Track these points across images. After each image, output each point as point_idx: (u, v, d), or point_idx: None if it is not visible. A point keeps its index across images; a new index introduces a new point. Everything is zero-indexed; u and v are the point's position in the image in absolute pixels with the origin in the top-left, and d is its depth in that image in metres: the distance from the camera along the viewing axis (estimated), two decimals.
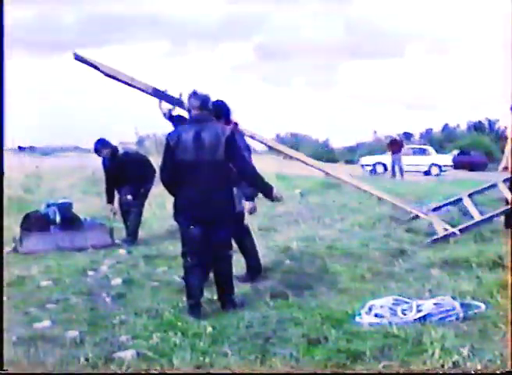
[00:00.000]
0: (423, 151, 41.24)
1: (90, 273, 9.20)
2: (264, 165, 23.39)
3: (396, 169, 30.51)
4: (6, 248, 11.07)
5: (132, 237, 11.67)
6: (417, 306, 6.78)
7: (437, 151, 42.80)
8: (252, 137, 8.76)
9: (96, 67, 8.88)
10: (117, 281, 8.58)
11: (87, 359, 5.59)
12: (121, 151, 12.04)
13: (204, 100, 7.12)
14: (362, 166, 40.20)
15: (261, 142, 9.17)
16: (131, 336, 6.29)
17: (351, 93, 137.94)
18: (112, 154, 11.72)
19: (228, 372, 5.44)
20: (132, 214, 11.79)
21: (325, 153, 59.91)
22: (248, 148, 8.39)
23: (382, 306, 6.84)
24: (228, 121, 8.08)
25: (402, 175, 30.12)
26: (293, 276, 8.84)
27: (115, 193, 11.90)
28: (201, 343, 6.02)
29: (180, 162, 7.02)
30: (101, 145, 11.71)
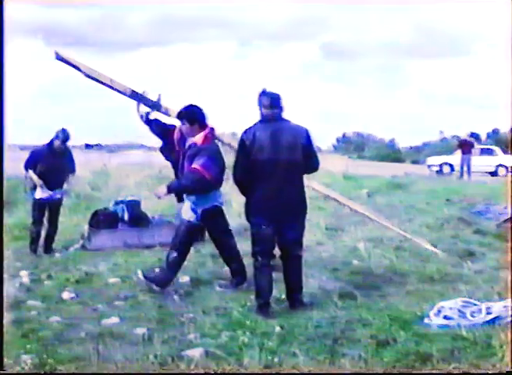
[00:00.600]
0: (490, 152, 40.48)
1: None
2: (331, 165, 23.36)
3: (465, 169, 30.08)
4: (74, 245, 11.25)
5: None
6: (487, 309, 6.66)
7: (504, 151, 42.02)
8: (229, 146, 8.55)
9: (77, 68, 8.66)
10: (185, 279, 8.60)
11: (155, 357, 5.60)
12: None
13: (274, 98, 7.10)
14: (428, 166, 39.68)
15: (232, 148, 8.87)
16: (199, 334, 6.29)
17: (417, 93, 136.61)
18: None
19: (295, 372, 5.40)
20: None
21: (391, 153, 59.52)
22: None
23: (451, 308, 6.74)
24: (203, 126, 7.95)
25: (470, 176, 29.67)
26: (361, 277, 8.77)
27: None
28: (270, 342, 6.00)
29: (256, 161, 7.02)
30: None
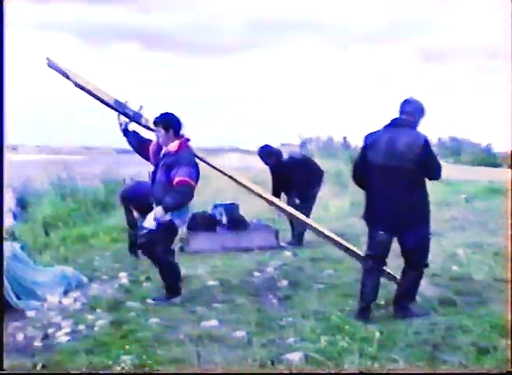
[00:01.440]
0: None
1: (257, 274, 9.24)
2: None
3: None
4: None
5: (298, 240, 11.63)
6: None
7: None
8: (201, 159, 8.36)
9: (66, 76, 8.48)
10: (283, 283, 8.55)
11: (254, 360, 5.56)
12: (286, 155, 12.00)
13: (404, 104, 7.05)
14: None
15: (208, 164, 8.63)
16: (299, 338, 6.22)
17: None
18: (277, 160, 11.71)
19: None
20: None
21: (487, 158, 58.31)
22: None
23: None
24: (178, 133, 7.87)
25: None
26: (461, 283, 8.56)
27: (283, 195, 11.86)
28: (369, 348, 5.88)
29: (370, 163, 7.02)
30: (265, 154, 11.76)
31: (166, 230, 7.83)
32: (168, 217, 7.72)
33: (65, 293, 8.65)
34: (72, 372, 5.63)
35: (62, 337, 6.81)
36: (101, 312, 7.48)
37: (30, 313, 7.92)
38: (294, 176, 11.52)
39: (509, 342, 5.98)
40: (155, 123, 7.90)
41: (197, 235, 11.43)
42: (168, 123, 7.83)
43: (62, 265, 9.76)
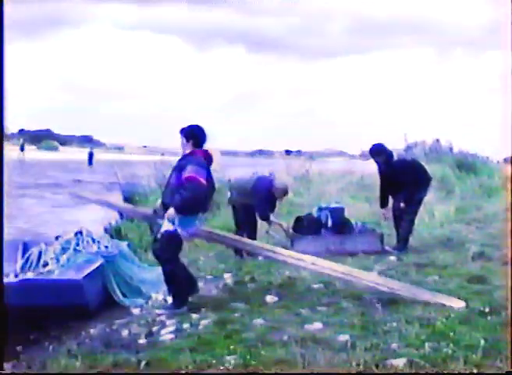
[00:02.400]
0: None
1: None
2: None
3: None
4: None
5: (403, 245, 11.49)
6: None
7: None
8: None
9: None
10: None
11: (358, 364, 5.51)
12: (396, 157, 11.88)
13: None
14: None
15: None
16: (403, 344, 6.13)
17: None
18: (387, 160, 11.58)
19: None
20: (404, 221, 11.60)
21: None
22: None
23: None
24: (197, 145, 7.97)
25: None
26: None
27: (390, 199, 11.75)
28: (474, 355, 5.74)
29: None
30: (376, 150, 11.62)
31: (170, 239, 7.85)
32: (171, 227, 7.76)
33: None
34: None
35: (166, 334, 6.92)
36: (206, 312, 7.57)
37: (135, 310, 8.09)
38: (402, 179, 11.35)
39: None
40: (180, 132, 8.10)
41: (301, 238, 11.44)
42: (190, 134, 8.01)
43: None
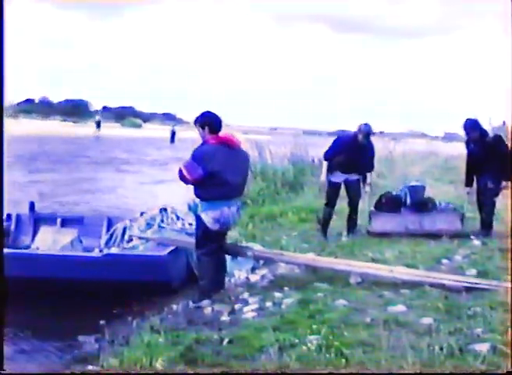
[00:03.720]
0: None
1: (444, 261, 9.05)
2: None
3: None
4: (360, 230, 11.29)
5: (487, 229, 11.23)
6: None
7: None
8: None
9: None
10: (472, 272, 8.30)
11: (441, 348, 5.45)
12: (490, 135, 11.48)
13: None
14: None
15: None
16: (487, 329, 6.03)
17: None
18: (480, 137, 11.20)
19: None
20: (489, 204, 11.31)
21: None
22: None
23: None
24: (213, 131, 7.93)
25: None
26: None
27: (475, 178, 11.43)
28: None
29: None
30: (471, 125, 11.19)
31: (198, 227, 8.02)
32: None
33: (253, 270, 8.85)
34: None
35: (249, 312, 6.97)
36: (289, 291, 7.60)
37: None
38: (493, 156, 10.95)
39: None
40: (194, 123, 8.10)
41: (380, 216, 11.27)
42: (205, 121, 7.98)
43: (250, 242, 9.97)
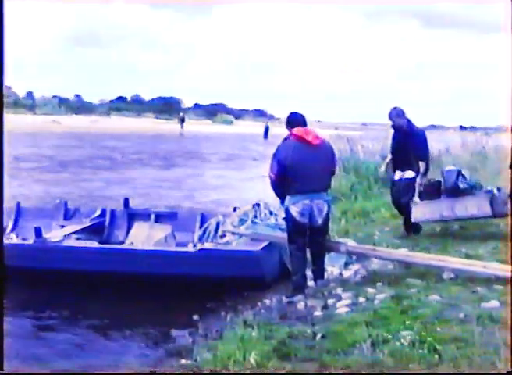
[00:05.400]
0: None
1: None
2: None
3: None
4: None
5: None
6: None
7: None
8: None
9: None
10: None
11: None
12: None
13: None
14: None
15: None
16: None
17: None
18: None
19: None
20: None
21: None
22: None
23: None
24: (289, 129, 8.24)
25: None
26: None
27: None
28: None
29: None
30: None
31: (288, 221, 8.14)
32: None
33: (346, 265, 8.85)
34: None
35: (342, 308, 6.99)
36: (381, 286, 7.59)
37: (311, 283, 8.20)
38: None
39: None
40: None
41: (418, 204, 10.60)
42: (287, 119, 8.39)
43: (342, 237, 9.96)
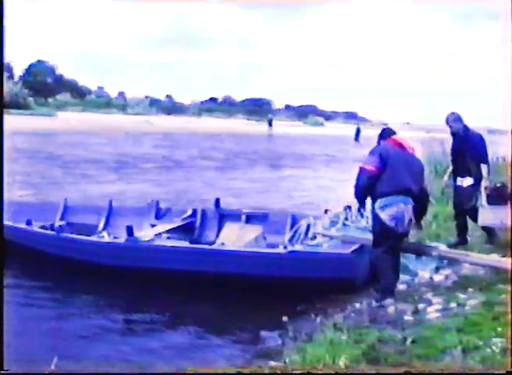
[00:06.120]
0: None
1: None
2: None
3: None
4: None
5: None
6: None
7: None
8: None
9: None
10: None
11: None
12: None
13: None
14: None
15: None
16: None
17: None
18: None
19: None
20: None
21: None
22: None
23: None
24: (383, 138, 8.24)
25: None
26: None
27: None
28: None
29: None
30: None
31: (375, 225, 8.00)
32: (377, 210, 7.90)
33: (437, 270, 8.76)
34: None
35: (432, 313, 6.94)
36: (473, 292, 7.50)
37: (402, 287, 8.15)
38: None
39: None
40: None
41: (485, 208, 10.10)
42: (380, 132, 8.38)
43: (433, 241, 9.85)
